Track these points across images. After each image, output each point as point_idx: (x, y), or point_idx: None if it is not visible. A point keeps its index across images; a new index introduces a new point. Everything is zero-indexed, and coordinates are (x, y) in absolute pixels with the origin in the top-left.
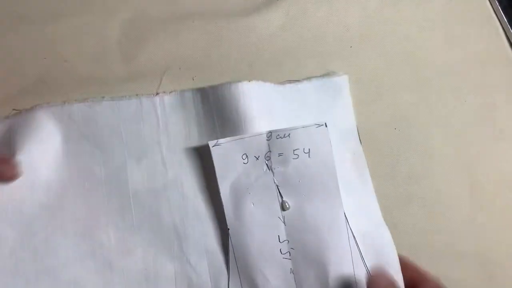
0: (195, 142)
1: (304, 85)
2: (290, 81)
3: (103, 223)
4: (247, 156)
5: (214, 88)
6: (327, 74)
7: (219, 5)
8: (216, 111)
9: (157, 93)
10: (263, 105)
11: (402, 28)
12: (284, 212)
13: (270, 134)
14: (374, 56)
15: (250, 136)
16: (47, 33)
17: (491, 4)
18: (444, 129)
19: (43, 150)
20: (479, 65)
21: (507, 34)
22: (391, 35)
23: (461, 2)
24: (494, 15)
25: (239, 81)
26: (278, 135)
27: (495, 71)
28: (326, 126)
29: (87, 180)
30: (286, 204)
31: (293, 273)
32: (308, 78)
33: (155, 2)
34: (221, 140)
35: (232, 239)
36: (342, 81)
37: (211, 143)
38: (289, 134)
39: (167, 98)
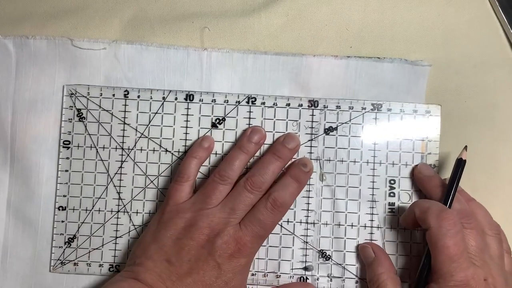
0: (235, 99)
1: (384, 64)
2: (370, 58)
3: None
4: (298, 122)
5: (277, 54)
6: (410, 60)
7: (219, 5)
8: (271, 76)
9: (205, 48)
10: (323, 79)
11: (402, 29)
12: (320, 183)
13: (323, 107)
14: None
15: (303, 106)
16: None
17: (491, 4)
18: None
19: (84, 86)
20: (479, 65)
21: (507, 34)
22: (391, 36)
23: (460, 2)
24: (494, 15)
25: (303, 54)
26: (331, 109)
27: (495, 71)
28: (376, 112)
29: (123, 122)
30: (324, 175)
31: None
32: (391, 59)
33: (155, 2)
34: (278, 102)
35: None
36: (423, 70)
37: (268, 103)
38: (342, 112)
39: (214, 55)
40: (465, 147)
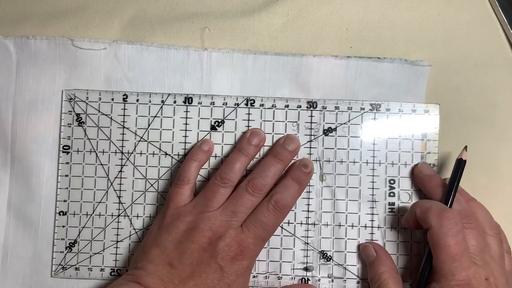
0: (233, 102)
1: (384, 64)
2: (370, 58)
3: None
4: (297, 124)
5: (277, 55)
6: (410, 60)
7: (219, 5)
8: (271, 76)
9: (206, 49)
10: (323, 79)
11: (402, 29)
12: (320, 184)
13: (322, 108)
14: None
15: (302, 107)
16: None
17: (491, 4)
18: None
19: (84, 86)
20: (479, 65)
21: (507, 34)
22: (391, 36)
23: (460, 2)
24: (494, 15)
25: (303, 54)
26: (330, 110)
27: (495, 71)
28: (374, 113)
29: (122, 126)
30: (324, 176)
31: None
32: (391, 59)
33: (155, 2)
34: (277, 103)
35: None
36: (423, 70)
37: (267, 104)
38: (341, 112)
39: (215, 55)
40: (465, 147)
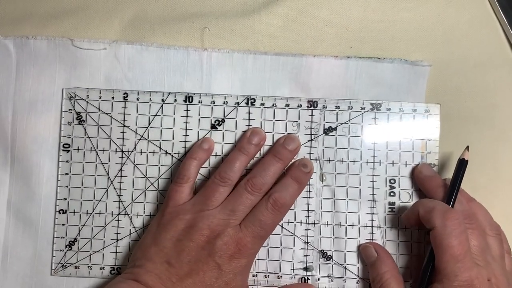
0: (234, 101)
1: (384, 65)
2: (370, 58)
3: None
4: (297, 123)
5: (277, 55)
6: (410, 60)
7: (219, 5)
8: (271, 76)
9: (205, 49)
10: (323, 79)
11: (402, 29)
12: (320, 183)
13: (323, 107)
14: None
15: (303, 107)
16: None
17: (491, 5)
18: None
19: (84, 86)
20: (479, 65)
21: (507, 34)
22: (391, 36)
23: (460, 2)
24: (494, 15)
25: (303, 54)
26: (331, 110)
27: (495, 71)
28: (375, 112)
29: (123, 125)
30: (324, 176)
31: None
32: (391, 59)
33: (155, 2)
34: (278, 103)
35: None
36: (423, 70)
37: (267, 104)
38: (341, 112)
39: (215, 55)
40: (467, 147)
